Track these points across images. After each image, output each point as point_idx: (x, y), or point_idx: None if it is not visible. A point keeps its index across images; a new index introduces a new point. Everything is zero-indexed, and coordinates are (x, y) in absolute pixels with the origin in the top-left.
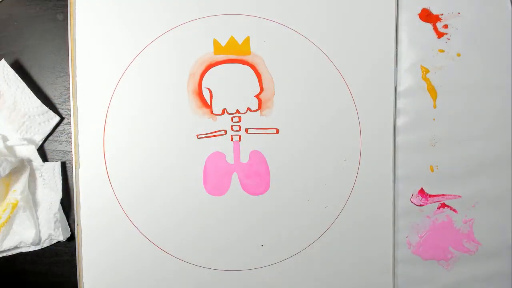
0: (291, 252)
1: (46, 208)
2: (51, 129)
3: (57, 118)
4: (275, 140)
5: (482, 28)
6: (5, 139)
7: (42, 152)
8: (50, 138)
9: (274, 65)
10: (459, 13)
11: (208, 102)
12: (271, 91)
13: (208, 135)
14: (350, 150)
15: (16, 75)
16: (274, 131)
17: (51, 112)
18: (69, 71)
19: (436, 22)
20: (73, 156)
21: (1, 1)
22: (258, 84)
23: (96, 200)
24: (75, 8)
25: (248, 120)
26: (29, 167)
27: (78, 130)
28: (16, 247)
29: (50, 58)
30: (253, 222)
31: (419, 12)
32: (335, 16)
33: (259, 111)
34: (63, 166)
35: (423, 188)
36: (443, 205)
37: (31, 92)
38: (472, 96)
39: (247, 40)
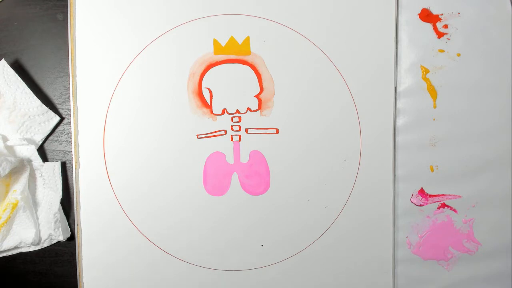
0: (291, 252)
1: (46, 208)
2: (51, 129)
3: (57, 118)
4: (275, 140)
5: (482, 28)
6: (5, 139)
7: (42, 152)
8: (50, 138)
9: (274, 65)
10: (459, 13)
11: (208, 102)
12: (271, 91)
13: (208, 135)
14: (350, 150)
15: (16, 75)
16: (274, 131)
17: (51, 112)
18: (69, 71)
19: (436, 22)
20: (73, 156)
21: (1, 1)
22: (258, 84)
23: (96, 200)
24: (75, 8)
25: (248, 120)
26: (29, 167)
27: (78, 130)
28: (16, 247)
29: (50, 58)
30: (253, 222)
31: (419, 12)
32: (335, 16)
33: (259, 111)
34: (63, 166)
35: (423, 188)
36: (443, 205)
37: (31, 92)
38: (472, 96)
39: (247, 40)
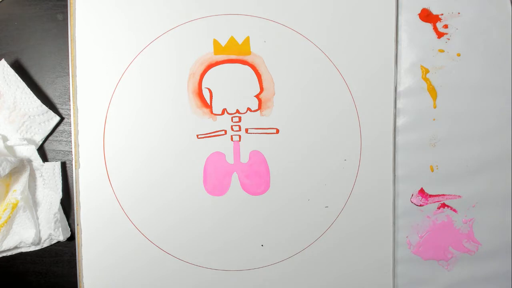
0: (291, 252)
1: (46, 208)
2: (51, 129)
3: (57, 118)
4: (275, 140)
5: (482, 28)
6: (5, 139)
7: (42, 152)
8: (50, 138)
9: (274, 65)
10: (459, 13)
11: (208, 102)
12: (271, 91)
13: (208, 135)
14: (350, 150)
15: (16, 75)
16: (274, 131)
17: (51, 112)
18: (69, 71)
19: (436, 22)
20: (73, 156)
21: (1, 1)
22: (258, 84)
23: (96, 200)
24: (75, 8)
25: (248, 120)
26: (29, 167)
27: (78, 130)
28: (16, 247)
29: (50, 58)
30: (253, 222)
31: (419, 12)
32: (335, 16)
33: (259, 111)
34: (63, 166)
35: (423, 188)
36: (443, 205)
37: (31, 92)
38: (472, 96)
39: (247, 40)
